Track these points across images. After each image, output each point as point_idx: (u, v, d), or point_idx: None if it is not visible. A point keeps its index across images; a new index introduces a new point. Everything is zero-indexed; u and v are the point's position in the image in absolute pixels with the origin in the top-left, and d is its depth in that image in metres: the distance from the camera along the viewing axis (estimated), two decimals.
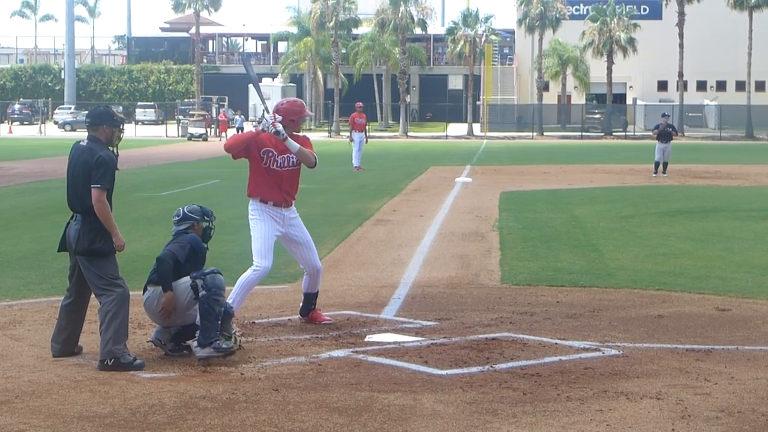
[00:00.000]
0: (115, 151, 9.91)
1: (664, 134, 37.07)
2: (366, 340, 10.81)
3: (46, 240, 18.69)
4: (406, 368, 9.57)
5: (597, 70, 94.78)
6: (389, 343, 10.64)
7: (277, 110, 11.43)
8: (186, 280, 9.84)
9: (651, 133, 39.14)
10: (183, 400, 8.50)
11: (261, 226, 11.21)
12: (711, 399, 8.62)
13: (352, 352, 10.23)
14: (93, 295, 9.93)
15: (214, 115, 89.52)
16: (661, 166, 37.33)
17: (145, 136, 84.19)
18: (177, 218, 10.30)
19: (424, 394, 8.74)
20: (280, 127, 11.13)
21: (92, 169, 9.60)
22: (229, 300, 10.61)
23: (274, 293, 13.64)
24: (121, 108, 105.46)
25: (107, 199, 9.67)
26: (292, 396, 8.64)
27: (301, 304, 11.78)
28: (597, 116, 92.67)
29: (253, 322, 11.53)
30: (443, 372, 9.44)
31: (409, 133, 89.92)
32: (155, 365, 9.67)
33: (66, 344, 9.96)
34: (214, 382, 9.10)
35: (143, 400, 8.49)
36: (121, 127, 10.01)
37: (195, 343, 9.77)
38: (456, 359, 9.93)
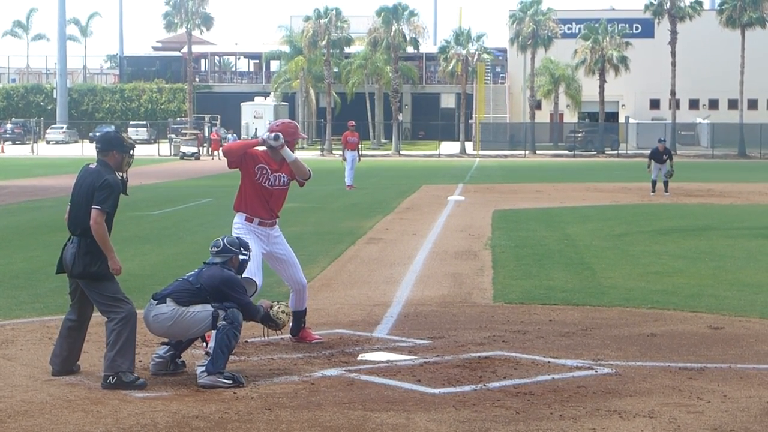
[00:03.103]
0: (124, 176, 9.95)
1: (657, 159, 37.09)
2: (359, 358, 10.80)
3: (38, 259, 18.67)
4: (399, 387, 9.56)
5: (589, 88, 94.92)
6: (382, 361, 10.64)
7: (270, 130, 11.48)
8: (207, 309, 9.85)
9: (646, 161, 38.96)
10: (176, 420, 8.48)
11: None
12: (704, 417, 8.62)
13: (344, 370, 10.22)
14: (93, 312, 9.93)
15: (206, 134, 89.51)
16: (661, 185, 37.31)
17: (137, 155, 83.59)
18: (216, 249, 10.24)
19: (417, 413, 8.73)
20: (279, 134, 11.19)
21: (96, 191, 9.64)
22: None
23: None
24: (113, 127, 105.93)
25: (107, 224, 9.69)
26: (284, 415, 8.63)
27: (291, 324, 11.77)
28: (580, 135, 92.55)
29: (246, 341, 11.51)
30: (436, 391, 9.43)
31: (401, 152, 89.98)
32: (148, 384, 9.63)
33: (66, 362, 9.95)
34: (206, 401, 9.08)
35: (136, 420, 8.47)
36: (131, 152, 10.05)
37: (201, 369, 9.71)
38: (449, 378, 9.92)
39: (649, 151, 39.35)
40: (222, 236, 10.47)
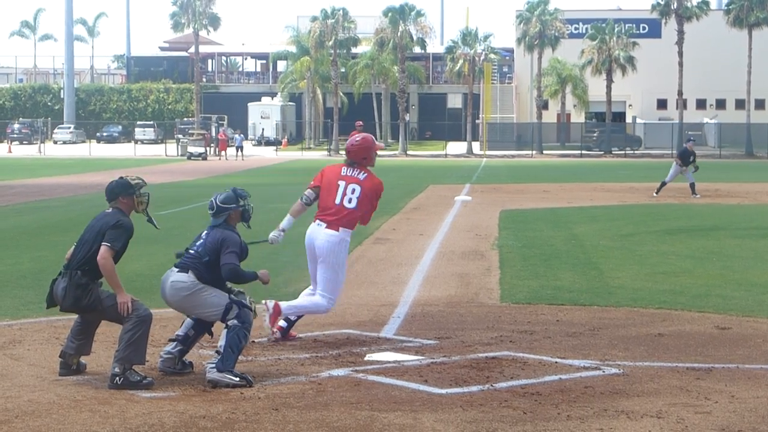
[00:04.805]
0: (146, 217, 10.18)
1: (685, 158, 36.46)
2: (366, 359, 10.80)
3: (45, 259, 18.68)
4: (406, 387, 9.56)
5: (596, 88, 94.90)
6: (389, 362, 10.64)
7: (348, 150, 11.76)
8: (224, 298, 9.91)
9: (675, 159, 38.12)
10: (183, 420, 8.48)
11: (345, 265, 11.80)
12: (711, 418, 8.61)
13: (352, 371, 10.22)
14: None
15: (213, 134, 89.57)
16: (688, 187, 36.46)
17: (144, 155, 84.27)
18: (211, 211, 10.30)
19: (424, 413, 8.72)
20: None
21: (108, 230, 9.76)
22: (288, 306, 11.56)
23: None
24: (120, 127, 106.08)
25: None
26: (291, 415, 8.62)
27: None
28: (595, 134, 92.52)
29: (253, 341, 11.51)
30: (443, 391, 9.43)
31: (408, 152, 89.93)
32: (155, 385, 9.64)
33: (80, 349, 10.03)
34: (213, 401, 9.08)
35: (143, 420, 8.47)
36: (140, 191, 10.08)
37: (211, 366, 9.72)
38: (456, 378, 9.92)
39: (676, 152, 38.27)
40: (215, 195, 10.47)
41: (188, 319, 10.23)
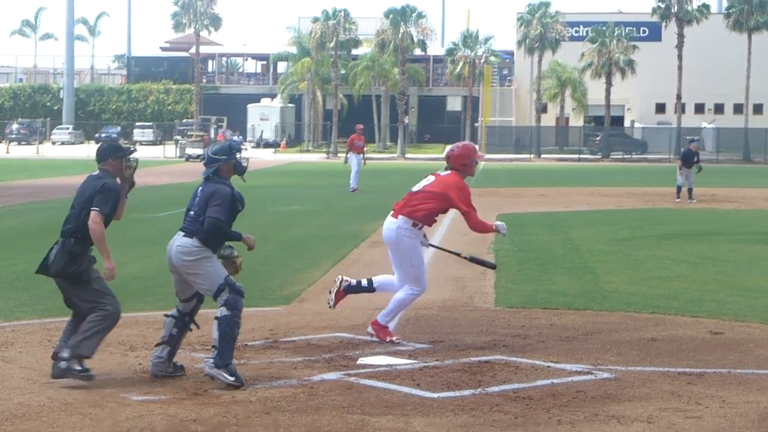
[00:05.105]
0: (130, 182, 10.19)
1: (688, 160, 36.43)
2: (358, 362, 10.81)
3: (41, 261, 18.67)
4: (398, 391, 9.57)
5: (595, 92, 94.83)
6: (382, 365, 10.65)
7: (448, 157, 12.00)
8: (222, 275, 9.88)
9: (678, 162, 37.90)
10: (173, 423, 8.49)
11: (421, 252, 12.00)
12: (702, 423, 8.62)
13: (344, 374, 10.23)
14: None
15: (212, 135, 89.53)
16: (685, 191, 36.52)
17: (143, 156, 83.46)
18: (204, 162, 10.32)
19: (416, 417, 8.73)
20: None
21: (96, 194, 9.85)
22: (383, 315, 11.87)
23: (267, 315, 13.65)
24: (119, 128, 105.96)
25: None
26: (283, 419, 8.63)
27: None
28: (598, 138, 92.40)
29: (246, 345, 11.52)
30: (435, 395, 9.43)
31: (406, 155, 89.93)
32: (146, 387, 9.66)
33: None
34: (204, 405, 9.09)
35: (134, 423, 8.48)
36: (129, 157, 10.14)
37: (210, 360, 9.75)
38: (448, 382, 9.93)
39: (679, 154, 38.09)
40: (210, 147, 10.48)
41: (167, 318, 10.22)
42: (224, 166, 10.17)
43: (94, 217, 9.79)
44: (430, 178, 12.18)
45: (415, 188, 12.20)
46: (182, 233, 10.03)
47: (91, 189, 9.95)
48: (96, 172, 10.15)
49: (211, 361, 9.72)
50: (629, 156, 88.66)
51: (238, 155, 10.25)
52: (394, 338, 11.88)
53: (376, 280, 12.41)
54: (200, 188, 10.17)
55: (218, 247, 10.04)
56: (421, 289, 12.02)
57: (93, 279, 9.87)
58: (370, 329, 12.00)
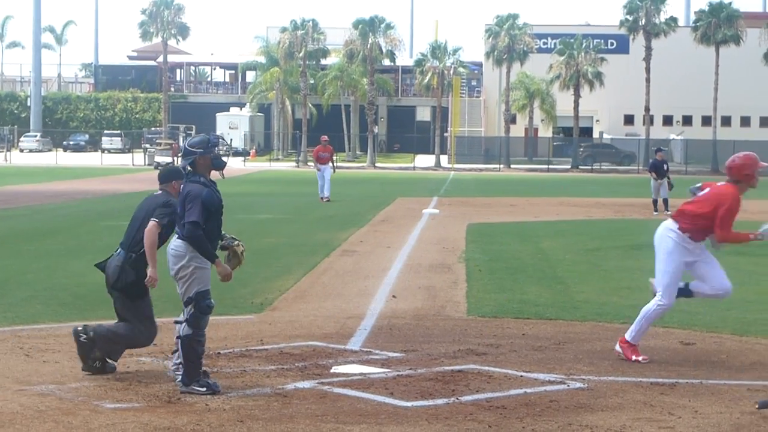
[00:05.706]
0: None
1: (659, 170, 36.13)
2: (332, 371, 10.79)
3: (10, 269, 18.54)
4: (372, 400, 9.56)
5: (564, 103, 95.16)
6: (355, 374, 10.63)
7: (729, 168, 11.71)
8: (205, 284, 9.86)
9: (649, 173, 37.53)
10: (147, 431, 8.46)
11: (677, 260, 11.81)
12: None
13: (317, 383, 10.20)
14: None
15: (181, 143, 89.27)
16: (661, 202, 35.97)
17: (111, 164, 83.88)
18: (181, 154, 10.40)
19: (390, 426, 8.73)
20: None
21: (158, 208, 10.29)
22: (631, 332, 11.50)
23: (239, 324, 13.61)
24: (87, 136, 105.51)
25: (159, 239, 10.28)
26: (257, 427, 8.61)
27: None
28: (582, 149, 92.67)
29: (219, 353, 11.49)
30: (409, 404, 9.43)
31: (376, 164, 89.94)
32: (119, 395, 9.62)
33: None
34: (178, 413, 9.06)
35: (107, 431, 8.44)
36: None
37: (179, 379, 9.75)
38: (421, 391, 9.93)
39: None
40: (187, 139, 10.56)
41: (177, 325, 10.15)
42: (200, 160, 10.05)
43: (152, 226, 10.19)
44: (707, 189, 11.91)
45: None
46: (176, 236, 10.07)
47: (153, 204, 10.40)
48: (158, 192, 10.58)
49: (180, 381, 9.74)
50: (617, 167, 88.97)
51: (216, 150, 10.21)
52: (640, 358, 11.50)
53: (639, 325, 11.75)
54: (182, 185, 10.16)
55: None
56: (666, 298, 11.60)
57: (144, 299, 10.40)
58: (617, 347, 11.63)
